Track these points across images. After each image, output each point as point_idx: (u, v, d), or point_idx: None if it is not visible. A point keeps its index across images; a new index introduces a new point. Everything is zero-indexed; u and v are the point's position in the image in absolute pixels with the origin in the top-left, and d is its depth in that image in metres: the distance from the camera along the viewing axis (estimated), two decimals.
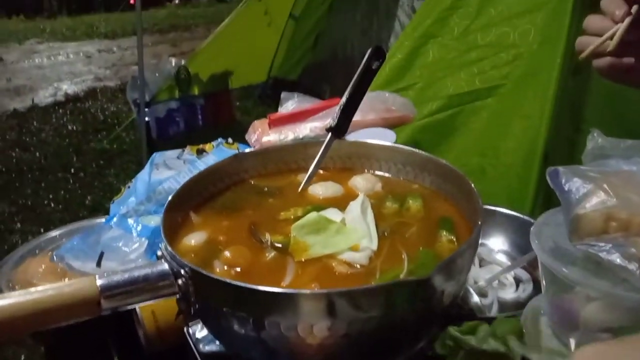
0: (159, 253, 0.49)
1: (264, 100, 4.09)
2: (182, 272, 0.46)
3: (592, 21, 0.65)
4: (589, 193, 0.51)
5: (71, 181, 3.23)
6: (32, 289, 0.42)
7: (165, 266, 0.47)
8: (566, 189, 0.53)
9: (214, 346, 0.62)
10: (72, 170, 3.36)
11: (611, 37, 0.62)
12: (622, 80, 0.67)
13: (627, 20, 0.61)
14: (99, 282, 0.44)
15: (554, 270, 0.50)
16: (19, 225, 2.74)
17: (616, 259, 0.46)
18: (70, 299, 0.43)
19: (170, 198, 0.58)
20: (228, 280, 0.44)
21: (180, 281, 0.46)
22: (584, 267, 0.49)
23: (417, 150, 0.69)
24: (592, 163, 0.60)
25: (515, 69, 1.31)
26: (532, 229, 0.55)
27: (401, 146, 0.72)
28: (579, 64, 1.17)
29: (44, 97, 5.13)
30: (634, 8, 0.61)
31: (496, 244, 0.81)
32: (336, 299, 0.41)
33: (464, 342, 0.48)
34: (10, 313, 0.40)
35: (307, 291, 0.43)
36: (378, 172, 0.72)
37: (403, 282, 0.43)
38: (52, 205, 2.95)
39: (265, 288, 0.41)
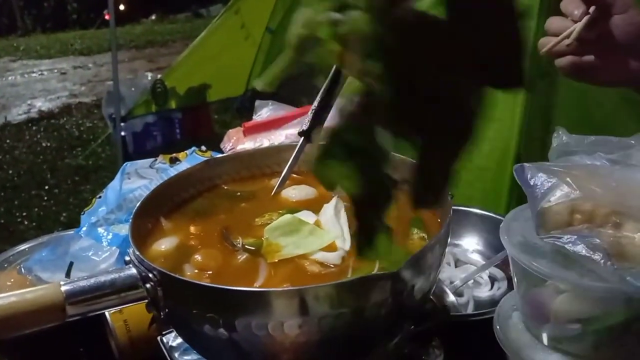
0: (127, 258, 0.49)
1: (242, 112, 4.08)
2: (150, 276, 0.46)
3: (553, 22, 0.67)
4: (553, 187, 0.52)
5: (45, 198, 3.16)
6: None
7: (133, 271, 0.46)
8: (531, 183, 0.54)
9: (189, 355, 0.61)
10: (47, 187, 3.29)
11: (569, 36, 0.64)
12: (584, 78, 0.69)
13: (585, 18, 0.63)
14: (63, 287, 0.43)
15: (524, 264, 0.50)
16: None
17: (582, 250, 0.47)
18: (34, 305, 0.42)
19: (139, 203, 0.57)
20: (195, 282, 0.43)
21: (148, 285, 0.46)
22: (552, 260, 0.50)
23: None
24: (557, 159, 0.61)
25: None
26: (501, 225, 0.56)
27: None
28: (546, 68, 1.20)
29: (17, 114, 5.04)
30: (592, 8, 0.63)
31: (471, 244, 0.82)
32: (305, 296, 0.40)
33: None
34: None
35: (275, 289, 0.42)
36: None
37: (371, 277, 0.43)
38: (26, 222, 2.89)
39: (231, 287, 0.41)
